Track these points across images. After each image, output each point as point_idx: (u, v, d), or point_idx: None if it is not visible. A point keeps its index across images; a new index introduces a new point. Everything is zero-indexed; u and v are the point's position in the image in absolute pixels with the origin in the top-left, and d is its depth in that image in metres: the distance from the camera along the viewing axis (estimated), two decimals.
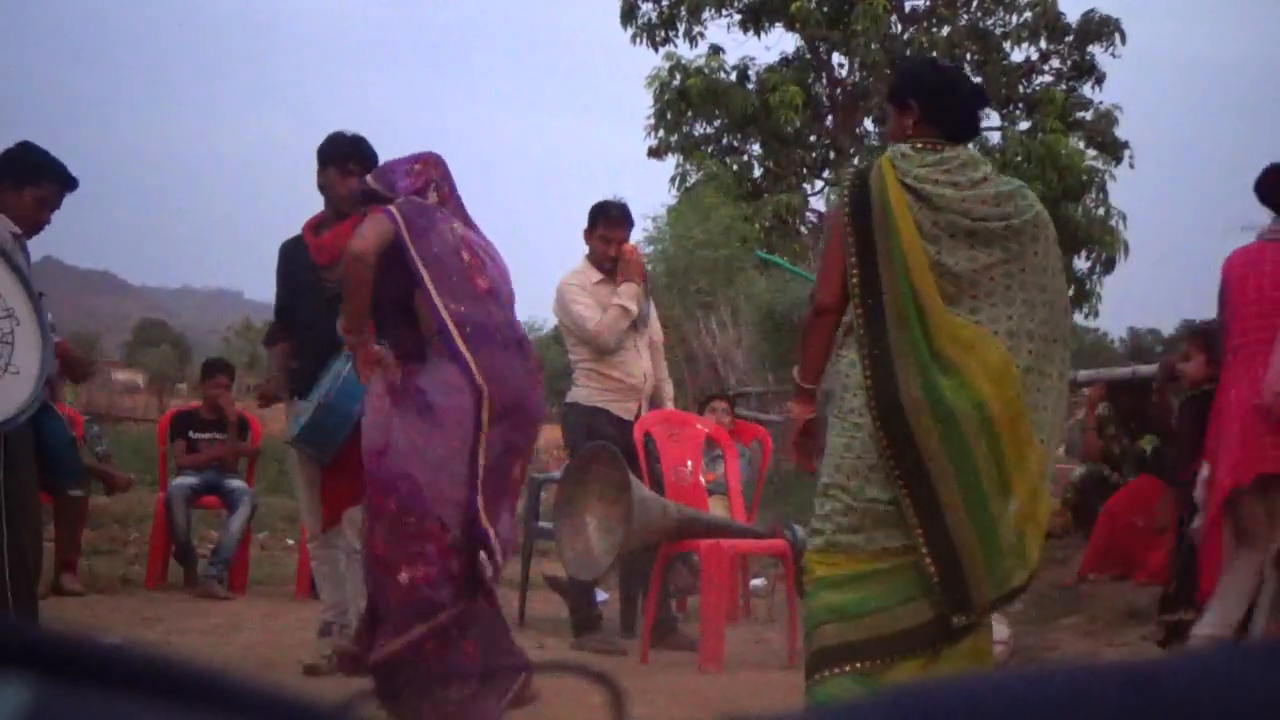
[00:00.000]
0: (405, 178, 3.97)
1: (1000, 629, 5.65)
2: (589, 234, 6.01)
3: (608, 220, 5.99)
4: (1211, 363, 4.87)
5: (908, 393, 3.22)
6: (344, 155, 4.98)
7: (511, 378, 3.82)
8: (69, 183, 4.40)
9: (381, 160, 5.12)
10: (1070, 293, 21.40)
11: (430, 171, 4.01)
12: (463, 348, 3.74)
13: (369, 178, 4.09)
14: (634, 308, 5.83)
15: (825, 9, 20.80)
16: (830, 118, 21.84)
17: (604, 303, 5.87)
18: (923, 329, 3.23)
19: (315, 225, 5.02)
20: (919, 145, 3.35)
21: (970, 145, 3.51)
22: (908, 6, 21.49)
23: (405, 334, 3.90)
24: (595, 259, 5.99)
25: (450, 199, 4.02)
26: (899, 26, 21.27)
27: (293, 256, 5.05)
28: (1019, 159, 19.60)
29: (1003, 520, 3.25)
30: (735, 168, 21.04)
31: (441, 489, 3.71)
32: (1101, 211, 20.08)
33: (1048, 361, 3.31)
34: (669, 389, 6.36)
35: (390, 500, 3.71)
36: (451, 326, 3.75)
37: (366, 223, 3.80)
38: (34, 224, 4.34)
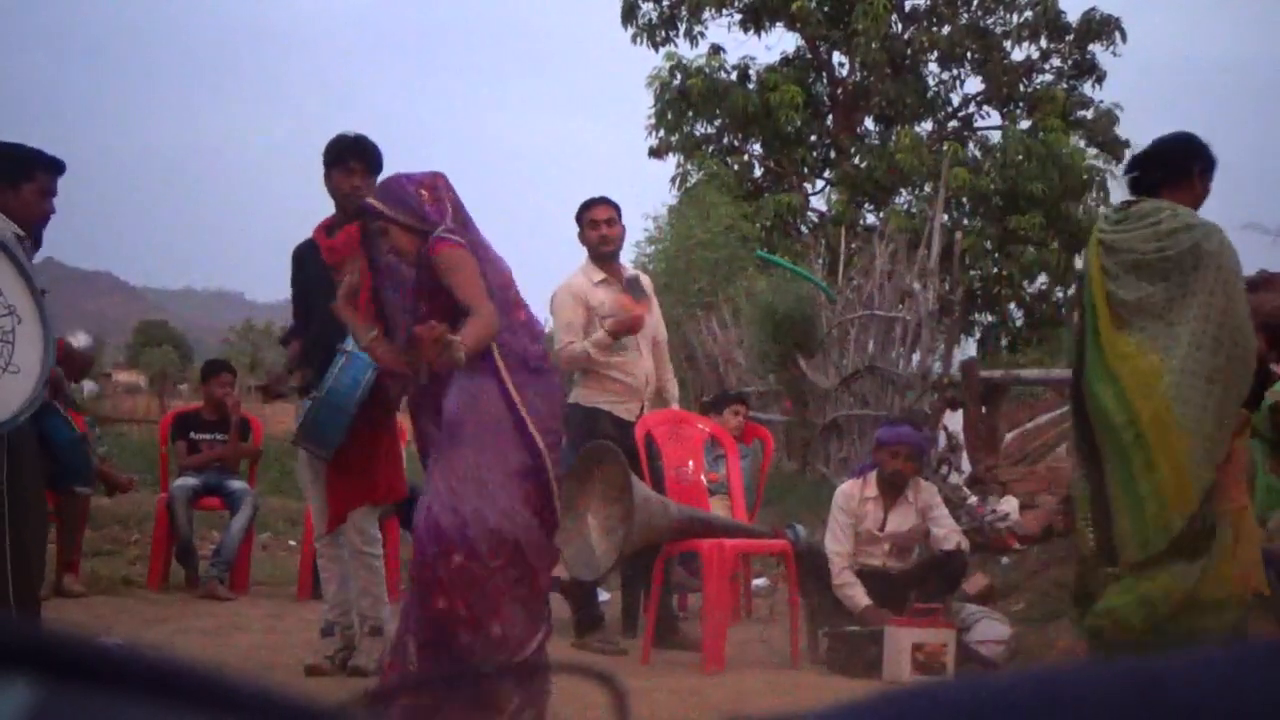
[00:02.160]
0: (427, 205, 3.87)
1: (1000, 629, 5.65)
2: (581, 233, 6.04)
3: (587, 205, 6.05)
4: None
5: (1089, 395, 4.11)
6: (344, 155, 4.99)
7: (545, 408, 3.83)
8: (57, 167, 4.42)
9: (386, 160, 5.13)
10: (1071, 291, 21.50)
11: (443, 194, 3.89)
12: (505, 376, 3.74)
13: (377, 203, 3.90)
14: (598, 356, 5.82)
15: (826, 8, 20.80)
16: (831, 117, 21.83)
17: (602, 303, 5.86)
18: (1096, 347, 4.10)
19: (327, 227, 5.03)
20: (1118, 207, 4.27)
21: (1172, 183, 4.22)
22: (908, 5, 21.47)
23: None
24: (594, 252, 6.01)
25: (461, 218, 3.95)
26: (899, 26, 21.26)
27: (304, 259, 5.06)
28: (1019, 158, 19.60)
29: (1147, 498, 3.99)
30: (736, 167, 21.04)
31: (496, 514, 3.71)
32: (1102, 210, 20.06)
33: (1200, 364, 4.00)
34: (674, 389, 6.35)
35: (455, 556, 3.68)
36: (498, 357, 3.74)
37: (475, 283, 3.71)
38: (40, 216, 4.36)
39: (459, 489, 3.70)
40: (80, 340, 5.32)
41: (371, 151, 5.02)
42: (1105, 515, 4.12)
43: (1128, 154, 20.67)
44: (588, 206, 6.04)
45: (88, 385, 6.05)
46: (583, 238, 6.03)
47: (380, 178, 5.03)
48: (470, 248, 3.78)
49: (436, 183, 3.91)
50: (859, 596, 5.59)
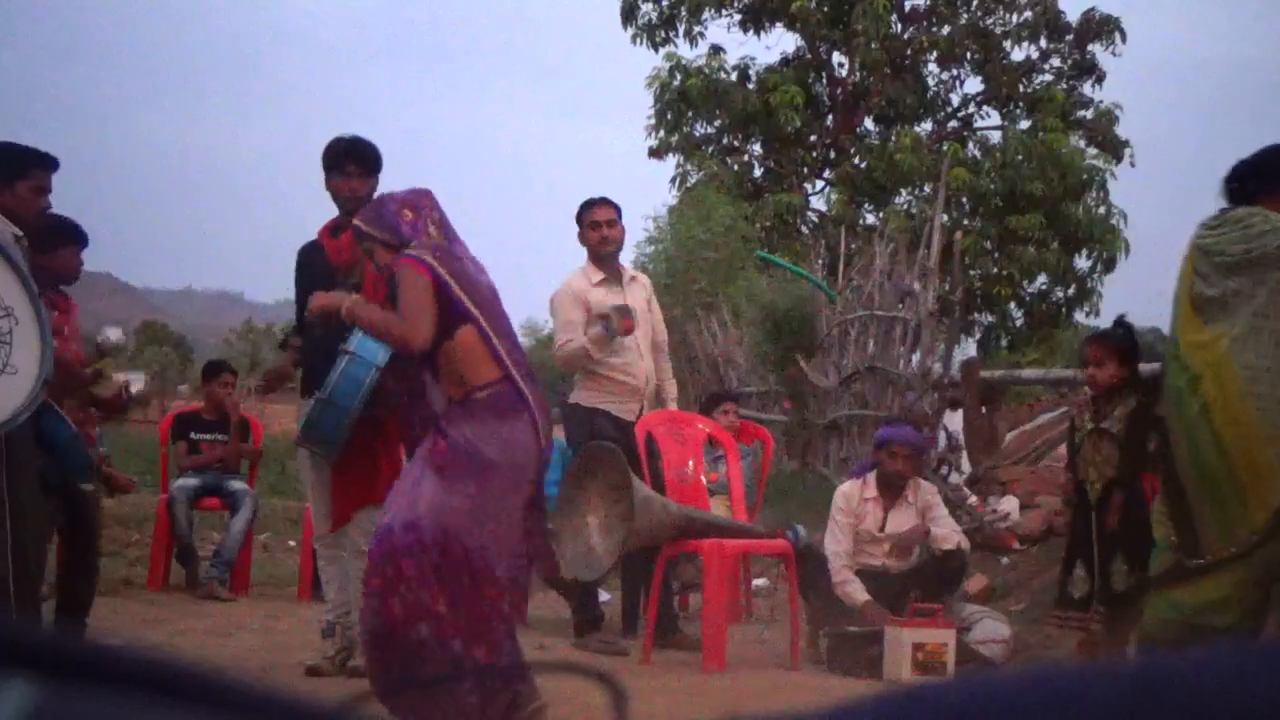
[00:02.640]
0: (408, 224, 3.90)
1: (1000, 629, 5.65)
2: (581, 234, 6.03)
3: (588, 205, 6.04)
4: (1124, 366, 5.01)
5: (1167, 389, 4.31)
6: (340, 159, 5.00)
7: (546, 418, 3.85)
8: (51, 163, 4.44)
9: (388, 160, 5.14)
10: (1071, 291, 21.47)
11: (425, 211, 3.91)
12: (527, 393, 3.75)
13: (362, 225, 3.95)
14: (595, 354, 5.82)
15: (825, 8, 20.80)
16: (830, 117, 21.83)
17: (602, 304, 5.86)
18: (1175, 340, 4.30)
19: (332, 228, 5.05)
20: (1216, 214, 4.43)
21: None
22: (908, 5, 21.48)
23: (424, 386, 3.88)
24: (594, 253, 6.01)
25: (444, 233, 3.97)
26: (899, 26, 21.27)
27: (310, 260, 5.07)
28: (1019, 158, 19.60)
29: (1224, 483, 4.09)
30: (736, 168, 21.04)
31: (503, 542, 3.70)
32: (1102, 210, 20.06)
33: (1273, 360, 4.15)
34: (672, 389, 6.35)
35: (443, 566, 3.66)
36: (514, 371, 3.74)
37: (413, 299, 3.68)
38: (38, 212, 4.38)
39: (478, 517, 3.68)
40: (113, 335, 5.28)
41: (367, 153, 5.03)
42: (1184, 510, 4.24)
43: (1127, 154, 20.72)
44: (588, 207, 6.04)
45: (113, 333, 5.70)
46: (583, 238, 6.03)
47: (379, 178, 5.06)
48: (443, 264, 3.75)
49: (420, 201, 3.95)
50: (858, 593, 5.59)
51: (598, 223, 5.97)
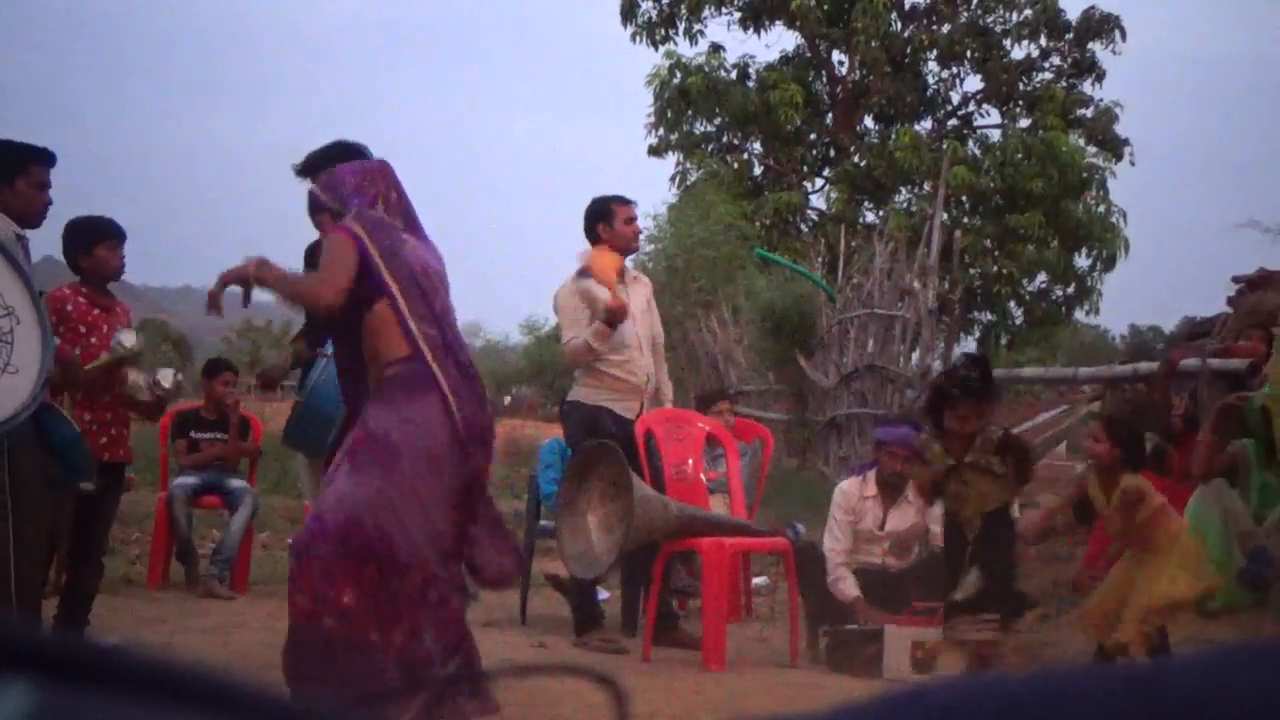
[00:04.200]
0: (355, 193, 3.85)
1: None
2: (606, 230, 5.92)
3: (623, 201, 6.00)
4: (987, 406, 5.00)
5: None
6: (315, 167, 4.97)
7: (473, 401, 3.77)
8: (48, 157, 4.45)
9: (361, 153, 5.12)
10: (1070, 290, 21.44)
11: (379, 184, 3.89)
12: (437, 371, 3.67)
13: (317, 190, 3.94)
14: (598, 347, 5.79)
15: (825, 7, 20.80)
16: (830, 115, 21.83)
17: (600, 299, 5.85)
18: None
19: None
20: None
21: None
22: (908, 4, 21.48)
23: (350, 362, 3.87)
24: (628, 248, 6.02)
25: (399, 207, 3.92)
26: (899, 24, 21.27)
27: (311, 260, 5.08)
28: (1019, 156, 19.59)
29: None
30: (735, 166, 21.04)
31: (416, 531, 3.63)
32: (1102, 209, 20.06)
33: None
34: (668, 389, 6.35)
35: (367, 568, 3.63)
36: (425, 348, 3.68)
37: (332, 257, 3.68)
38: (40, 209, 4.38)
39: (379, 506, 3.63)
40: (126, 340, 5.26)
41: (335, 155, 4.97)
42: None
43: (1127, 152, 20.73)
44: (623, 203, 5.99)
45: (127, 337, 5.50)
46: (617, 233, 5.90)
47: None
48: (371, 235, 3.73)
49: (375, 174, 3.93)
50: (849, 589, 5.60)
51: (632, 219, 6.00)
